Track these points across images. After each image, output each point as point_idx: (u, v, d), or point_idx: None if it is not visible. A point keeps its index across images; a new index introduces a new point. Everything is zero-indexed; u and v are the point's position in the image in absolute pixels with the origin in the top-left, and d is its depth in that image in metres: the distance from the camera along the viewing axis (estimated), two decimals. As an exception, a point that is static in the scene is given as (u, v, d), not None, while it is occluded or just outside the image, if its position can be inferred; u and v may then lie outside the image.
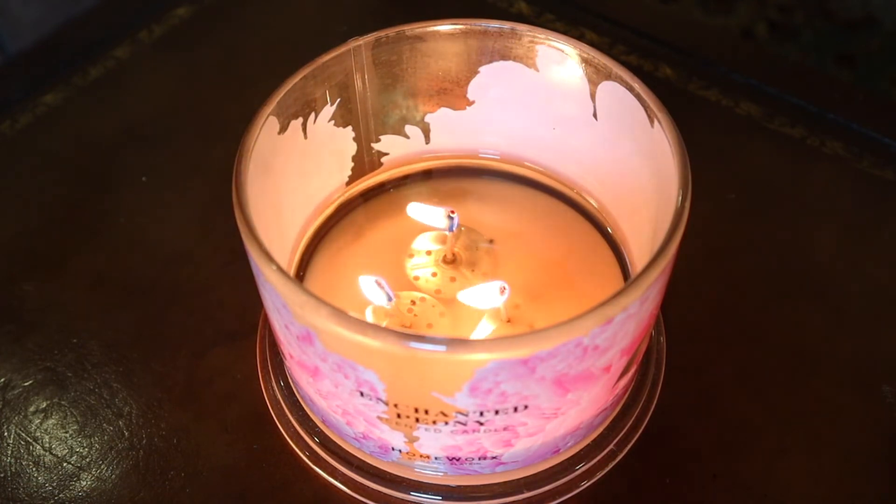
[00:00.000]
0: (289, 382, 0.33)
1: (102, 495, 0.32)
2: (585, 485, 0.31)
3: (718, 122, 0.43)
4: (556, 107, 0.33)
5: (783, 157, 0.42)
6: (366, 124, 0.34)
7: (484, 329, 0.31)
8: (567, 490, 0.31)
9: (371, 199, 0.36)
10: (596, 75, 0.31)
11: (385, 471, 0.31)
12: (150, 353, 0.35)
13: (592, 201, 0.35)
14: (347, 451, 0.31)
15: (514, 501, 0.30)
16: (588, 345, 0.24)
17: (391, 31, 0.32)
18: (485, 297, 0.31)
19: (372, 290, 0.31)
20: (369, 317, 0.32)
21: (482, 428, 0.27)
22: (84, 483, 0.32)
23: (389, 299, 0.31)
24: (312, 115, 0.32)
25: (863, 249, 0.38)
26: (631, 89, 0.30)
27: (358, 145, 0.35)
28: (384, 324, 0.32)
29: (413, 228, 0.34)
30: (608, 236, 0.35)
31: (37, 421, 0.34)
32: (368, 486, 0.31)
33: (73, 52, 0.47)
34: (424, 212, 0.33)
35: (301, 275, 0.34)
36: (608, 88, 0.31)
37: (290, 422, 0.32)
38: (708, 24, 0.87)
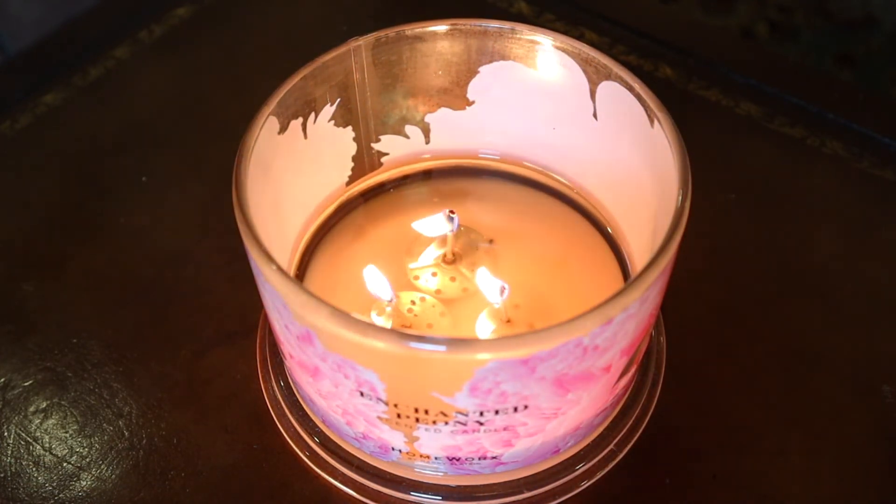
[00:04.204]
0: (289, 382, 0.33)
1: (102, 495, 0.32)
2: (585, 485, 0.31)
3: (718, 122, 0.43)
4: (556, 107, 0.33)
5: (783, 157, 0.42)
6: (366, 124, 0.34)
7: (483, 327, 0.31)
8: (567, 490, 0.31)
9: (371, 199, 0.36)
10: (596, 75, 0.31)
11: (385, 471, 0.31)
12: (150, 353, 0.35)
13: (592, 201, 0.35)
14: (347, 451, 0.31)
15: (514, 501, 0.30)
16: (588, 345, 0.24)
17: (391, 31, 0.32)
18: (489, 291, 0.31)
19: (376, 282, 0.31)
20: (374, 318, 0.32)
21: (482, 428, 0.27)
22: (84, 483, 0.32)
23: (389, 299, 0.31)
24: (312, 115, 0.32)
25: (863, 249, 0.38)
26: (631, 89, 0.30)
27: (358, 145, 0.35)
28: (387, 324, 0.32)
29: (413, 228, 0.34)
30: (608, 236, 0.35)
31: (37, 421, 0.34)
32: (368, 486, 0.31)
33: (73, 52, 0.47)
34: (428, 225, 0.34)
35: (301, 275, 0.34)
36: (608, 88, 0.31)
37: (290, 422, 0.32)
38: (708, 24, 0.87)
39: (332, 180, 0.35)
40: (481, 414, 0.26)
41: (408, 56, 0.33)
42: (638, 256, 0.32)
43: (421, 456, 0.29)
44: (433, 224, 0.33)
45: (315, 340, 0.25)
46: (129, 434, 0.33)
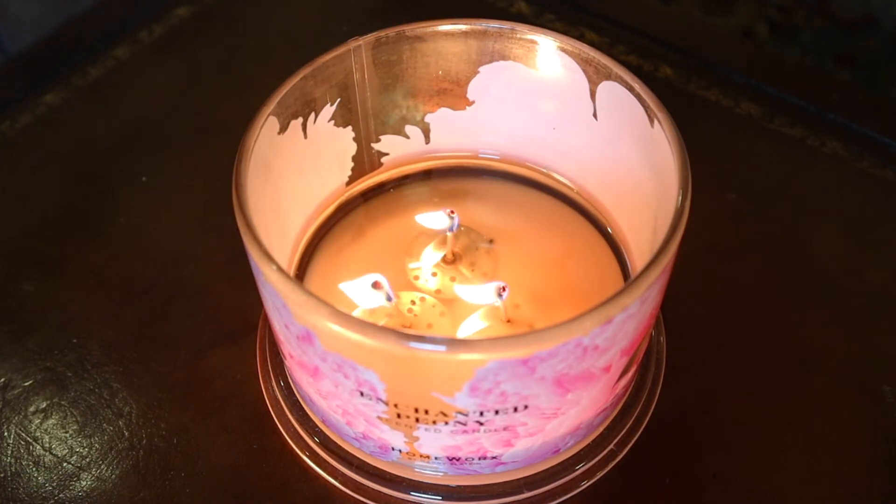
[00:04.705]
0: (289, 382, 0.33)
1: (102, 495, 0.32)
2: (585, 485, 0.31)
3: (718, 122, 0.43)
4: (556, 107, 0.33)
5: (783, 157, 0.42)
6: (366, 124, 0.34)
7: (475, 324, 0.31)
8: (567, 490, 0.31)
9: (371, 199, 0.36)
10: (596, 75, 0.31)
11: (385, 471, 0.31)
12: (150, 353, 0.35)
13: (592, 201, 0.35)
14: (347, 451, 0.31)
15: (514, 501, 0.30)
16: (588, 345, 0.24)
17: (391, 31, 0.32)
18: (481, 294, 0.31)
19: (359, 294, 0.31)
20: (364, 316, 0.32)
21: (482, 428, 0.27)
22: (84, 483, 0.32)
23: (390, 299, 0.31)
24: (312, 115, 0.32)
25: (863, 249, 0.38)
26: (631, 89, 0.30)
27: (358, 145, 0.35)
28: (384, 323, 0.31)
29: (413, 228, 0.34)
30: (608, 236, 0.35)
31: (37, 421, 0.34)
32: (368, 486, 0.31)
33: (73, 52, 0.47)
34: (431, 219, 0.33)
35: (301, 275, 0.34)
36: (608, 88, 0.31)
37: (290, 422, 0.32)
38: (708, 24, 0.87)
39: (332, 180, 0.35)
40: (481, 414, 0.26)
41: (408, 56, 0.33)
42: (638, 256, 0.32)
43: (421, 456, 0.29)
44: (436, 219, 0.33)
45: (315, 340, 0.25)
46: (129, 434, 0.33)
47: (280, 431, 0.33)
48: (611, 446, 0.31)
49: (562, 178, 0.36)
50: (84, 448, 0.33)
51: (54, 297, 0.37)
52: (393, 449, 0.29)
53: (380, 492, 0.31)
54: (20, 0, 0.64)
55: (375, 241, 0.35)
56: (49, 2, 0.63)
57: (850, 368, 0.34)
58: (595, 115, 0.32)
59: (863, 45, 0.85)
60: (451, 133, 0.36)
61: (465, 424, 0.26)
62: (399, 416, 0.27)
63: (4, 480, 0.32)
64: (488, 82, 0.34)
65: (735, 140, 0.43)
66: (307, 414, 0.32)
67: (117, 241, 0.39)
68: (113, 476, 0.32)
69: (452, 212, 0.33)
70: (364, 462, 0.31)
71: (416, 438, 0.28)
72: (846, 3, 0.88)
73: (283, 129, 0.30)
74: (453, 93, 0.34)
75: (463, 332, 0.32)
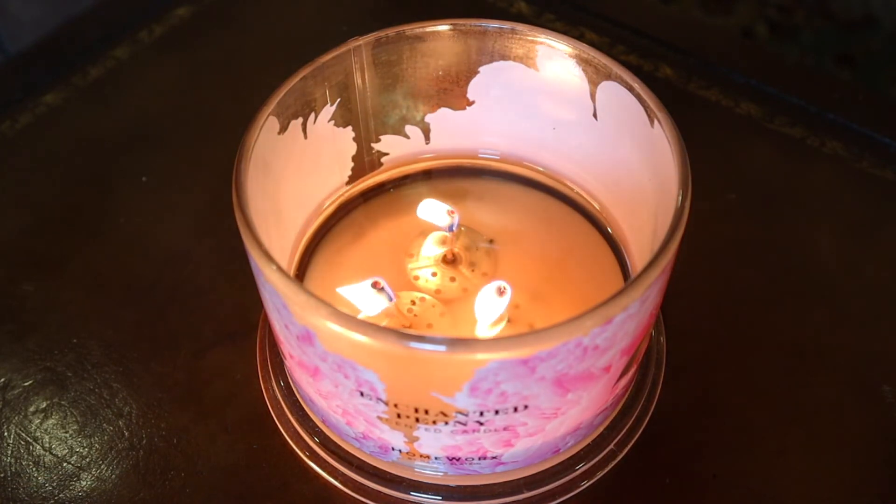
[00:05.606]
0: (289, 382, 0.33)
1: (102, 495, 0.32)
2: (585, 485, 0.31)
3: (718, 122, 0.43)
4: (556, 107, 0.33)
5: (783, 157, 0.42)
6: (366, 124, 0.34)
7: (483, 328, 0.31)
8: (567, 490, 0.31)
9: (371, 199, 0.36)
10: (596, 75, 0.31)
11: (385, 471, 0.31)
12: (150, 353, 0.35)
13: (592, 201, 0.35)
14: (347, 451, 0.31)
15: (514, 501, 0.30)
16: (588, 345, 0.24)
17: (391, 31, 0.32)
18: (489, 304, 0.31)
19: (360, 298, 0.31)
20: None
21: (482, 428, 0.27)
22: (84, 483, 0.32)
23: (390, 299, 0.31)
24: (312, 115, 0.32)
25: (863, 249, 0.38)
26: (631, 89, 0.30)
27: (358, 145, 0.35)
28: (384, 324, 0.31)
29: (413, 228, 0.34)
30: (608, 236, 0.35)
31: (37, 421, 0.34)
32: (368, 486, 0.31)
33: (73, 52, 0.47)
34: (433, 210, 0.33)
35: (301, 275, 0.34)
36: (608, 88, 0.31)
37: (290, 422, 0.32)
38: (708, 24, 0.87)
39: (332, 180, 0.35)
40: (481, 414, 0.26)
41: (408, 56, 0.33)
42: (638, 256, 0.32)
43: (421, 456, 0.29)
44: (435, 209, 0.33)
45: (315, 340, 0.25)
46: (129, 434, 0.33)
47: (280, 431, 0.33)
48: (611, 446, 0.31)
49: (562, 178, 0.36)
50: (84, 448, 0.33)
51: (54, 297, 0.37)
52: (393, 449, 0.29)
53: (380, 492, 0.31)
54: (20, 0, 0.64)
55: (375, 241, 0.35)
56: (49, 2, 0.63)
57: (850, 368, 0.34)
58: (595, 115, 0.32)
59: (863, 45, 0.85)
60: (451, 133, 0.36)
61: (465, 424, 0.26)
62: (399, 416, 0.27)
63: (4, 480, 0.32)
64: (488, 82, 0.34)
65: (735, 140, 0.43)
66: (307, 414, 0.32)
67: (117, 241, 0.39)
68: (113, 476, 0.32)
69: (452, 212, 0.33)
70: (364, 462, 0.31)
71: (416, 438, 0.28)
72: (846, 3, 0.88)
73: (283, 129, 0.30)
74: (453, 93, 0.34)
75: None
